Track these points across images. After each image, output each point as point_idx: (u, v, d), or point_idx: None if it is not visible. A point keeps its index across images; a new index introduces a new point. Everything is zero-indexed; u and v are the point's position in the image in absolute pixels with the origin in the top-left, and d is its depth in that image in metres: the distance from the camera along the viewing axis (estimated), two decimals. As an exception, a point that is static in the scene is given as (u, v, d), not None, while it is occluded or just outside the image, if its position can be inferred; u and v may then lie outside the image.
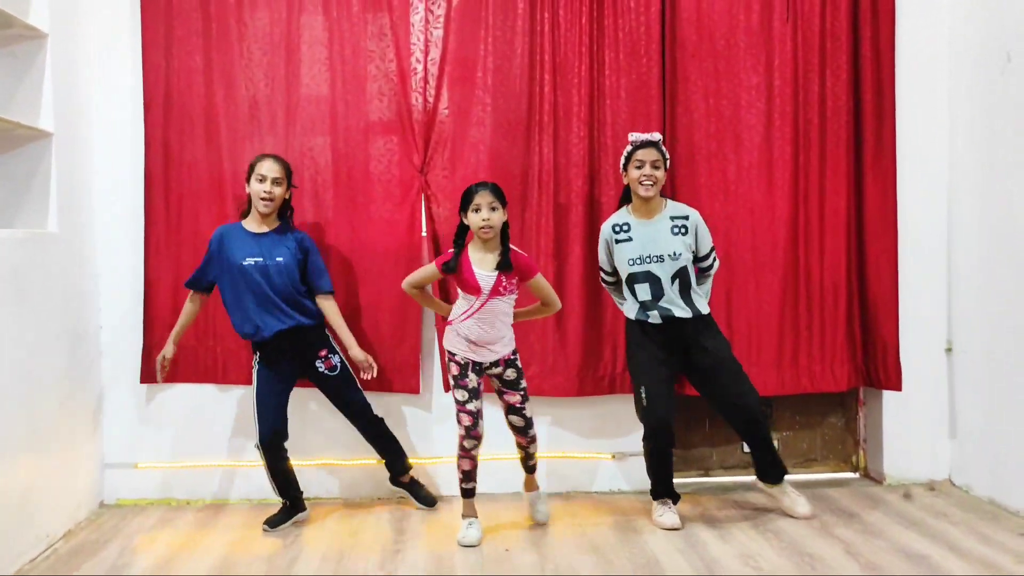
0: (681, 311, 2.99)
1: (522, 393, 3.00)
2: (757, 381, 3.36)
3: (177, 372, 3.35)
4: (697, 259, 3.06)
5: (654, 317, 3.00)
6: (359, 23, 3.37)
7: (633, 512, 3.26)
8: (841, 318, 3.49)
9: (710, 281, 3.13)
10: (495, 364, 2.95)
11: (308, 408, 3.39)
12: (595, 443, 3.53)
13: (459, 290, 2.94)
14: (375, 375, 3.14)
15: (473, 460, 2.96)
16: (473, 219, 2.83)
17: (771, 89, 3.44)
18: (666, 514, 3.09)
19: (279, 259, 3.01)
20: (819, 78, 3.44)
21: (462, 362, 2.92)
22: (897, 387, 3.50)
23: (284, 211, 3.12)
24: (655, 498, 3.16)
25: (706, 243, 3.06)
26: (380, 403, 3.39)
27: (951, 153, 3.55)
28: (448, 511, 3.29)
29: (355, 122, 3.37)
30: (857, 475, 3.73)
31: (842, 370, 3.50)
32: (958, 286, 3.53)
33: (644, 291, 3.00)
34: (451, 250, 2.91)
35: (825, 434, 3.75)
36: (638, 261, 3.00)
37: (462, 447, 2.93)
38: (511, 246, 2.89)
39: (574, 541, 2.95)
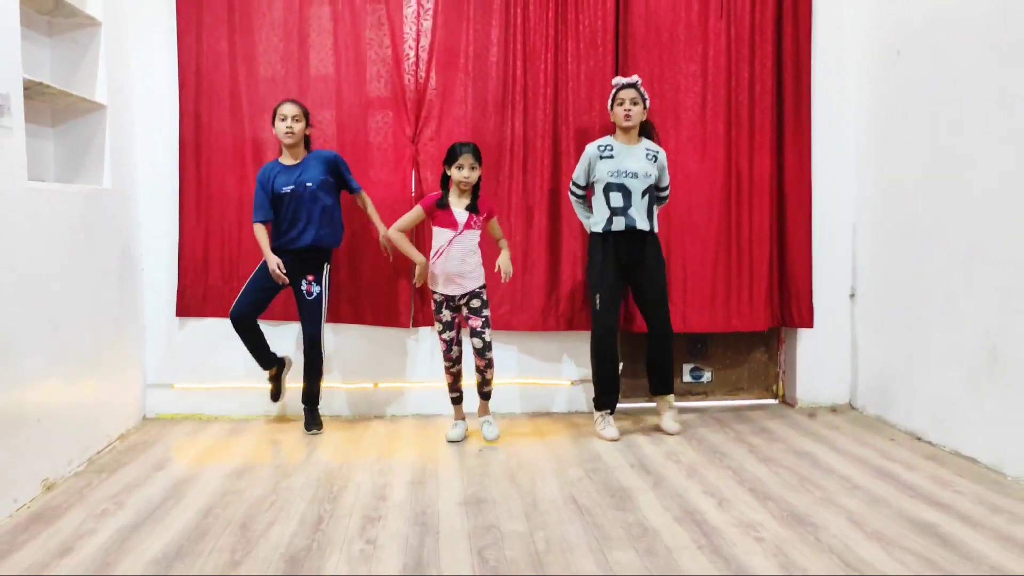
0: (642, 223, 3.75)
1: (483, 319, 3.69)
2: (692, 319, 4.22)
3: (206, 307, 4.11)
4: (658, 188, 3.85)
5: (618, 224, 3.74)
6: (360, 14, 4.08)
7: (586, 427, 4.07)
8: (764, 268, 4.28)
9: (657, 209, 3.88)
10: (466, 295, 3.67)
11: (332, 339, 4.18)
12: (557, 370, 4.34)
13: (435, 228, 3.66)
14: (390, 258, 3.89)
15: (452, 375, 3.79)
16: (456, 174, 3.59)
17: (706, 75, 4.20)
18: (607, 427, 3.84)
19: (308, 184, 3.73)
20: (748, 66, 4.20)
21: (439, 299, 3.69)
22: (809, 324, 4.32)
23: (308, 145, 3.85)
24: (597, 408, 3.93)
25: (666, 176, 3.87)
26: (378, 335, 4.18)
27: (856, 129, 4.34)
28: (430, 425, 4.10)
29: (357, 99, 4.10)
30: (776, 401, 4.57)
31: (765, 312, 4.30)
32: (860, 240, 4.35)
33: (617, 199, 3.74)
34: (434, 194, 3.69)
35: (751, 367, 4.59)
36: (616, 174, 3.75)
37: (444, 365, 3.77)
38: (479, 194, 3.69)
39: (536, 445, 3.76)
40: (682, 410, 4.28)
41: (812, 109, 4.28)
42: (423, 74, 4.12)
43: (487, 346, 3.72)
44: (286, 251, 3.78)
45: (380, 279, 4.14)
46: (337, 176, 3.84)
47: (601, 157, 3.79)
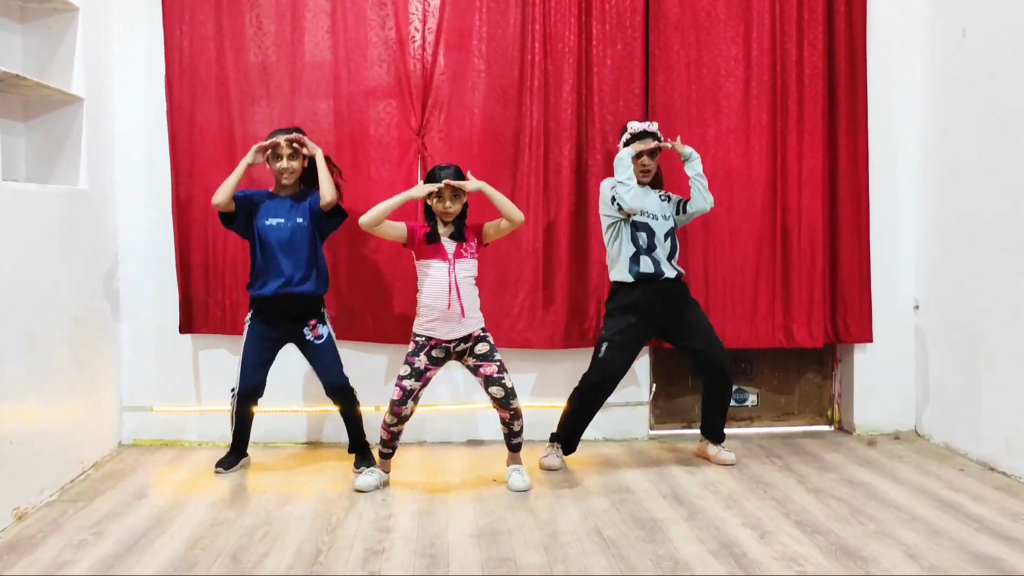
0: (669, 270, 3.99)
1: (498, 364, 3.72)
2: (731, 333, 4.43)
3: (190, 323, 4.37)
4: (687, 216, 4.11)
5: (646, 265, 3.96)
6: (361, -8, 4.36)
7: (614, 455, 4.29)
8: (817, 277, 4.48)
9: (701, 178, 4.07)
10: (464, 340, 3.70)
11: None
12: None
13: (420, 264, 3.72)
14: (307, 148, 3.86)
15: (390, 433, 3.75)
16: (436, 206, 3.68)
17: (749, 59, 4.43)
18: (551, 455, 4.06)
19: (299, 220, 3.87)
20: (796, 48, 4.42)
21: (421, 341, 3.70)
22: (868, 339, 4.52)
23: (310, 174, 3.94)
24: (551, 440, 4.12)
25: (679, 198, 4.09)
26: (380, 355, 4.43)
27: (918, 118, 4.55)
28: (439, 453, 4.34)
29: (356, 87, 4.35)
30: (831, 428, 4.77)
31: (818, 327, 4.49)
32: (924, 245, 4.55)
33: (642, 239, 3.99)
34: (423, 225, 3.75)
35: (803, 389, 4.79)
36: (640, 213, 3.99)
37: (385, 419, 3.73)
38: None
39: (557, 473, 3.98)
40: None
41: (868, 96, 4.50)
42: (430, 57, 4.36)
43: (510, 394, 3.73)
44: (271, 299, 3.85)
45: (383, 292, 4.38)
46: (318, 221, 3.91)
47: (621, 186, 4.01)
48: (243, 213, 3.88)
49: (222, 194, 3.78)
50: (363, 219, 3.66)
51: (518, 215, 3.73)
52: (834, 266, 4.53)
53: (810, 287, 4.48)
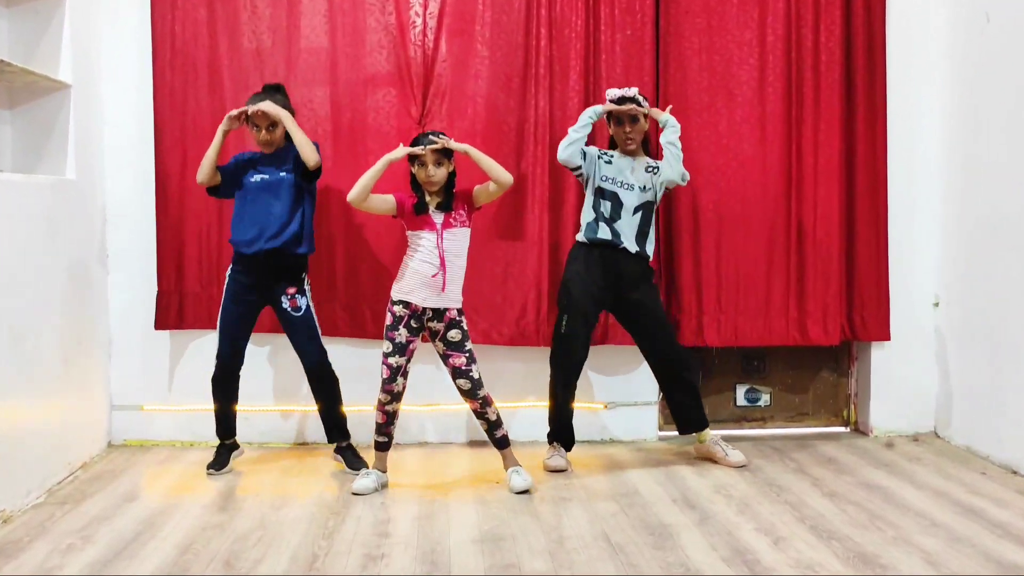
0: (629, 243, 3.96)
1: (467, 355, 3.70)
2: (743, 330, 4.42)
3: (182, 319, 4.35)
4: (660, 182, 4.02)
5: (603, 232, 3.96)
6: (359, -25, 4.33)
7: (621, 457, 4.28)
8: (833, 271, 4.45)
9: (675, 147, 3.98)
10: (439, 318, 3.69)
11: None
12: (587, 391, 4.52)
13: (411, 234, 3.72)
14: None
15: (386, 414, 3.74)
16: (419, 173, 3.67)
17: (764, 45, 4.40)
18: (554, 456, 4.04)
19: (283, 174, 3.88)
20: (812, 33, 4.39)
21: (399, 312, 3.70)
22: (885, 336, 4.50)
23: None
24: (549, 440, 4.11)
25: (675, 172, 3.96)
26: (376, 349, 4.38)
27: (940, 106, 4.52)
28: (440, 454, 4.33)
29: (354, 74, 4.33)
30: (847, 429, 4.75)
31: (834, 324, 4.46)
32: (946, 238, 4.52)
33: (605, 208, 3.98)
34: (411, 196, 3.75)
35: (817, 389, 4.77)
36: (611, 180, 3.98)
37: (379, 399, 3.74)
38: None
39: (563, 477, 3.96)
40: (735, 439, 4.44)
41: (887, 83, 4.47)
42: (431, 44, 4.34)
43: (477, 384, 3.72)
44: (253, 258, 3.86)
45: (382, 286, 4.34)
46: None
47: (599, 158, 4.03)
48: (230, 182, 3.93)
49: (203, 171, 3.85)
50: (350, 195, 3.69)
51: (506, 177, 3.71)
52: (851, 260, 4.51)
53: (826, 282, 4.45)
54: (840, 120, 4.44)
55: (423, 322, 3.74)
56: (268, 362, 4.43)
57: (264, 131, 3.86)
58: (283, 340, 4.35)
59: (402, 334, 3.72)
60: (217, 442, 4.09)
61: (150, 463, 4.15)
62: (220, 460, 4.02)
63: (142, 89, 4.33)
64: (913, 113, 4.54)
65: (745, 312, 4.44)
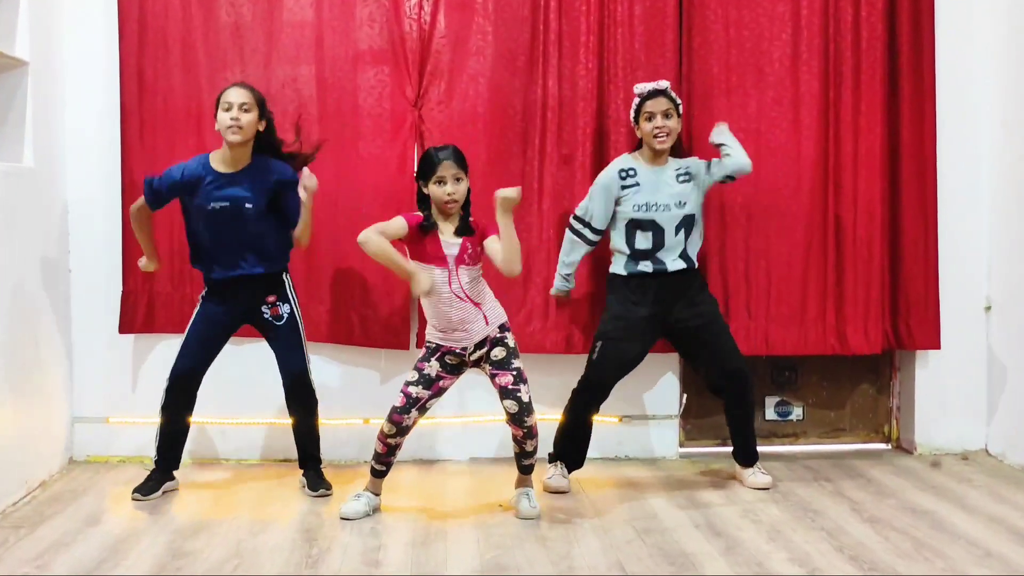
0: (675, 263, 3.91)
1: (515, 372, 3.59)
2: (776, 338, 4.35)
3: (151, 321, 4.29)
4: (711, 167, 3.96)
5: (644, 266, 3.91)
6: (348, -59, 4.27)
7: (638, 477, 4.22)
8: (875, 272, 4.39)
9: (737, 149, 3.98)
10: (480, 345, 3.59)
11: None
12: (601, 406, 4.45)
13: (415, 263, 3.54)
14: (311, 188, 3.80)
15: (387, 446, 3.62)
16: (437, 192, 3.51)
17: (798, 18, 4.34)
18: (556, 476, 4.00)
19: (248, 205, 3.78)
20: (852, 7, 4.33)
21: (432, 346, 3.63)
22: (934, 345, 4.43)
23: (260, 147, 3.87)
24: (551, 459, 4.06)
25: (700, 161, 3.97)
26: (368, 359, 4.35)
27: (995, 91, 4.45)
28: (436, 472, 4.27)
29: (343, 51, 4.27)
30: (888, 446, 4.69)
31: (875, 330, 4.40)
32: (999, 236, 4.46)
33: (644, 240, 3.92)
34: (416, 214, 3.59)
35: (855, 402, 4.71)
36: (644, 208, 3.91)
37: (382, 427, 3.62)
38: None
39: (573, 498, 3.91)
40: (764, 456, 4.38)
41: (936, 62, 4.39)
42: (428, 17, 4.29)
43: (525, 409, 3.60)
44: (222, 281, 3.84)
45: (371, 288, 4.30)
46: (283, 199, 3.86)
47: (624, 187, 3.94)
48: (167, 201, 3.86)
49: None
50: (371, 237, 3.45)
51: (516, 267, 3.57)
52: (895, 259, 4.44)
53: (867, 284, 4.38)
54: (883, 103, 4.36)
55: (465, 359, 3.64)
56: (248, 369, 4.36)
57: (236, 109, 3.71)
58: (264, 345, 4.31)
59: (433, 366, 3.62)
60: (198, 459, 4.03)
61: (115, 482, 4.09)
62: (150, 482, 3.89)
63: (110, 68, 4.27)
64: (966, 95, 4.47)
65: (777, 318, 4.38)
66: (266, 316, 3.88)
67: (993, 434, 4.50)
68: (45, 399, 4.09)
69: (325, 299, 4.31)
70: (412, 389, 3.60)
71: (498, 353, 3.62)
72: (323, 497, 3.87)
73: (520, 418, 3.61)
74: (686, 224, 3.95)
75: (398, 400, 3.62)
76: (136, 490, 3.85)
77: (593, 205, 4.00)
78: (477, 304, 3.59)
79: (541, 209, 4.30)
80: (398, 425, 3.61)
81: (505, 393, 3.61)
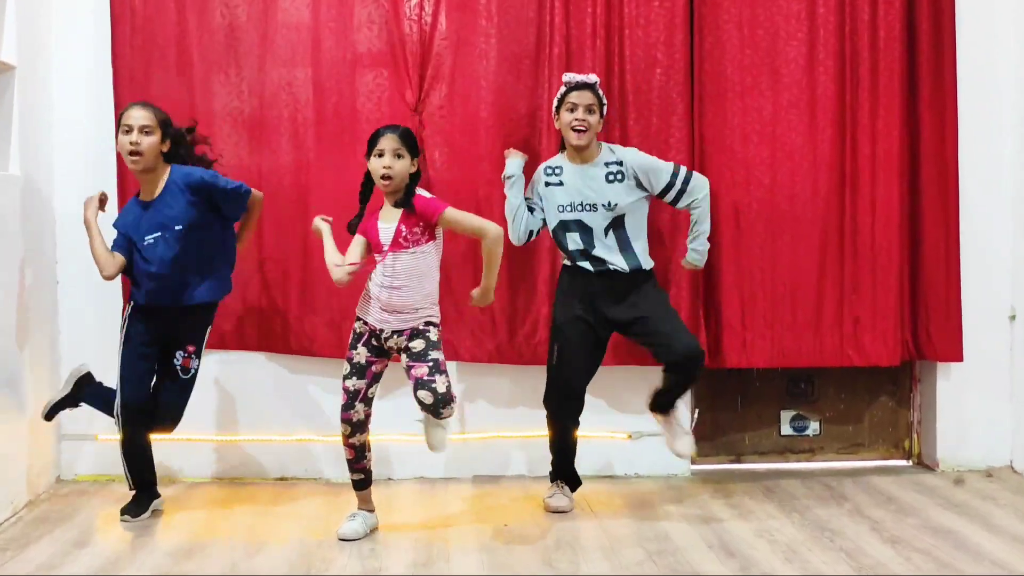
0: (617, 261, 3.87)
1: (431, 364, 3.51)
2: (791, 348, 4.37)
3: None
4: (665, 193, 3.91)
5: (583, 262, 3.89)
6: (346, -60, 4.29)
7: (650, 495, 4.23)
8: (894, 279, 4.39)
9: (702, 208, 3.91)
10: (398, 334, 3.58)
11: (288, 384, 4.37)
12: (609, 419, 4.48)
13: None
14: None
15: (352, 448, 3.64)
16: (375, 165, 3.54)
17: (814, 17, 4.35)
18: (556, 495, 4.00)
19: (178, 227, 3.71)
20: (869, 4, 4.35)
21: (359, 329, 3.66)
22: (957, 357, 4.43)
23: (173, 159, 3.79)
24: (551, 480, 4.08)
25: (656, 168, 3.90)
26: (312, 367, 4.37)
27: (1020, 90, 4.46)
28: (438, 491, 4.28)
29: (341, 53, 4.30)
30: (909, 463, 4.70)
31: (894, 340, 4.40)
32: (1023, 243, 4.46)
33: (574, 240, 3.89)
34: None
35: (874, 416, 4.72)
36: (568, 208, 3.89)
37: (341, 431, 3.64)
38: (418, 191, 3.59)
39: (582, 519, 3.92)
40: (780, 473, 4.43)
41: (957, 62, 4.41)
42: (429, 19, 4.31)
43: (441, 400, 3.49)
44: (155, 310, 3.81)
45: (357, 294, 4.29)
46: (210, 203, 3.78)
47: (547, 184, 3.94)
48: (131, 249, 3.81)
49: (101, 265, 3.74)
50: (338, 280, 3.64)
51: (491, 231, 3.57)
52: (915, 266, 4.46)
53: (885, 292, 4.40)
54: (902, 104, 4.39)
55: (382, 342, 3.64)
56: (240, 385, 4.38)
57: (136, 132, 3.64)
58: (258, 359, 4.34)
59: (360, 353, 3.65)
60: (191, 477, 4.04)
61: (105, 501, 4.10)
62: (136, 504, 3.89)
63: (99, 71, 4.30)
64: (988, 95, 4.49)
65: (793, 327, 4.39)
66: (176, 364, 3.87)
67: (1019, 450, 4.50)
68: (31, 416, 4.10)
69: (322, 311, 4.32)
70: (348, 383, 3.64)
71: (417, 345, 3.58)
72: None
73: (436, 410, 3.50)
74: (615, 224, 3.89)
75: (341, 397, 3.64)
76: (125, 512, 3.86)
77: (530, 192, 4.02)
78: (403, 300, 3.56)
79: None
80: (350, 423, 3.63)
81: (419, 384, 3.50)
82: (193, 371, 3.90)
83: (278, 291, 4.29)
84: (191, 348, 3.88)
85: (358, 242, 3.68)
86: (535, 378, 4.34)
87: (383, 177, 3.54)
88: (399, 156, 3.53)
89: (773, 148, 4.34)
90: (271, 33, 4.29)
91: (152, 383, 3.90)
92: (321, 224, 3.76)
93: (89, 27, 4.30)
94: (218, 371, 4.28)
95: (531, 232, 3.99)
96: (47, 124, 4.28)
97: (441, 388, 3.51)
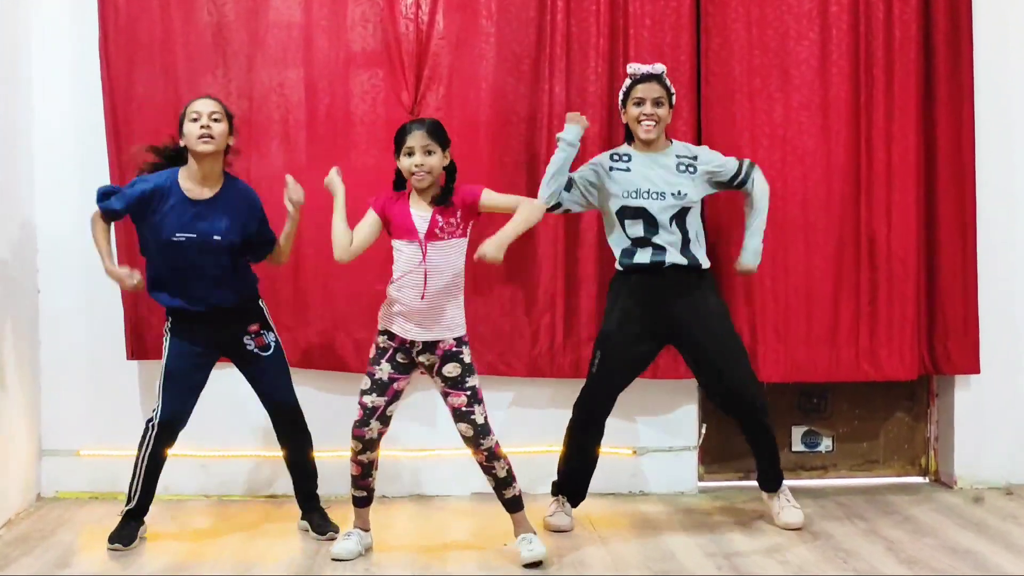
0: (677, 256, 3.87)
1: (468, 394, 3.56)
2: (805, 362, 4.37)
3: (143, 347, 4.29)
4: (733, 182, 3.97)
5: (642, 256, 3.88)
6: (339, -64, 4.31)
7: (654, 514, 4.23)
8: (910, 290, 4.41)
9: (762, 202, 3.97)
10: (431, 351, 3.56)
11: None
12: (612, 434, 4.44)
13: (393, 243, 3.60)
14: None
15: (360, 465, 3.63)
16: (405, 164, 3.52)
17: (827, 16, 4.37)
18: (557, 513, 4.00)
19: (216, 237, 3.68)
20: (884, 3, 4.36)
21: (381, 344, 3.62)
22: (974, 369, 4.44)
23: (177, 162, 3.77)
24: (554, 492, 4.07)
25: (722, 160, 3.96)
26: (356, 384, 4.34)
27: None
28: (435, 509, 4.28)
29: (334, 53, 4.31)
30: (926, 480, 4.70)
31: (911, 354, 4.41)
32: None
33: (636, 228, 3.89)
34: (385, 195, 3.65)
35: (890, 432, 4.73)
36: (633, 194, 3.89)
37: (351, 446, 3.63)
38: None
39: (584, 538, 3.91)
40: (792, 491, 4.35)
41: (975, 63, 4.42)
42: (426, 17, 4.33)
43: (481, 432, 3.57)
44: (189, 312, 3.76)
45: (359, 306, 4.29)
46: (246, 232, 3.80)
47: (613, 168, 3.95)
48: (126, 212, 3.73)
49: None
50: (339, 257, 3.61)
51: (537, 213, 3.62)
52: (932, 276, 4.48)
53: (902, 303, 4.41)
54: (917, 107, 4.40)
55: (411, 357, 3.63)
56: (231, 399, 4.37)
57: (207, 119, 3.62)
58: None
59: (384, 369, 3.61)
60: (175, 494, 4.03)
61: (87, 520, 4.10)
62: (127, 531, 3.80)
63: (82, 73, 4.31)
64: (1007, 97, 4.51)
65: (808, 340, 4.40)
66: (250, 348, 3.84)
67: (1040, 466, 4.52)
68: (9, 430, 4.10)
69: (314, 322, 4.33)
70: (367, 399, 3.60)
71: (452, 370, 3.58)
72: (331, 540, 3.78)
73: (477, 441, 3.58)
74: (679, 216, 3.90)
75: (357, 413, 3.61)
76: (113, 540, 3.75)
77: (582, 175, 3.97)
78: (437, 300, 3.53)
79: (547, 225, 4.30)
80: (362, 440, 3.61)
81: (458, 415, 3.58)
82: (273, 347, 3.86)
83: (268, 302, 4.28)
84: (253, 328, 3.84)
85: (371, 220, 3.62)
86: (536, 394, 4.36)
87: (416, 175, 3.52)
88: (429, 152, 3.51)
89: (784, 152, 4.37)
90: (261, 32, 4.31)
91: (195, 401, 3.81)
92: (338, 183, 3.68)
93: (70, 27, 4.32)
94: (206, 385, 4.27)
95: (559, 204, 3.95)
96: (27, 129, 4.28)
97: (480, 419, 3.57)
